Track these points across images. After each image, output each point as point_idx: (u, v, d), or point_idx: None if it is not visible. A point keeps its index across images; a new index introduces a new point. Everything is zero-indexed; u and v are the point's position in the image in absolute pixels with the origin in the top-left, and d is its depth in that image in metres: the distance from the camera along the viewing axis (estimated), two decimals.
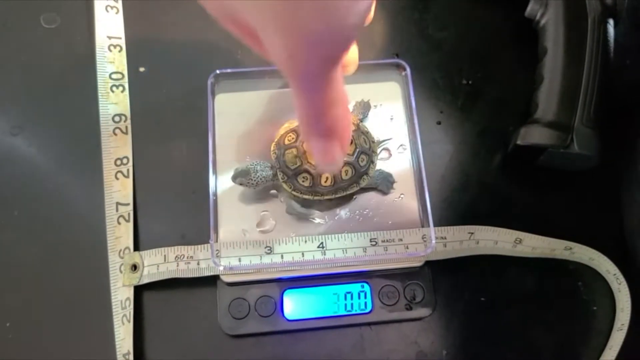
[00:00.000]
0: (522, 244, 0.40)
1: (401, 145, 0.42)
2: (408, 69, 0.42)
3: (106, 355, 0.37)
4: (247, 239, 0.38)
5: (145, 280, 0.38)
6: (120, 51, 0.44)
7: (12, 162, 0.42)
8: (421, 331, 0.39)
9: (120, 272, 0.38)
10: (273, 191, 0.40)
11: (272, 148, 0.38)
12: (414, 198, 0.40)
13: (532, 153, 0.40)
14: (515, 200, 0.42)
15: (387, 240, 0.38)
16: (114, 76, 0.43)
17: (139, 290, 0.38)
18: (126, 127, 0.42)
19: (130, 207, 0.40)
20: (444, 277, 0.40)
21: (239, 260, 0.37)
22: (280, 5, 0.19)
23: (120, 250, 0.38)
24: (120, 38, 0.44)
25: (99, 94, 0.42)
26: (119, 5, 0.45)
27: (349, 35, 0.21)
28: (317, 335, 0.39)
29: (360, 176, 0.38)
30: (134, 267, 0.38)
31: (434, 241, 0.38)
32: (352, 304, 0.38)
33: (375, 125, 0.41)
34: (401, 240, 0.38)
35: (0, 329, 0.38)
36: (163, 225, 0.40)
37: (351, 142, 0.37)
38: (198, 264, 0.38)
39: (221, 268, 0.37)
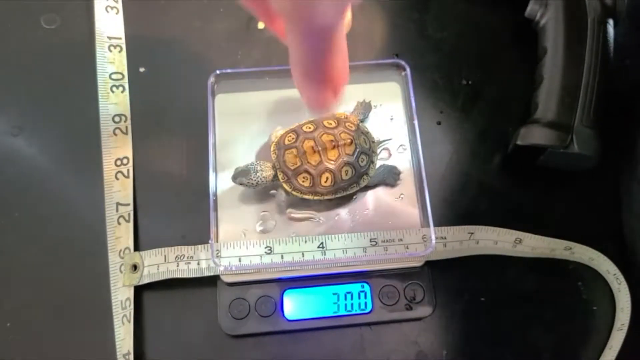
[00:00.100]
0: (522, 244, 0.40)
1: (401, 145, 0.42)
2: (408, 69, 0.42)
3: (106, 355, 0.37)
4: (247, 239, 0.38)
5: (146, 281, 0.38)
6: (120, 51, 0.44)
7: (12, 163, 0.42)
8: (421, 331, 0.39)
9: (121, 272, 0.38)
10: (273, 191, 0.40)
11: (272, 148, 0.38)
12: (414, 198, 0.40)
13: (532, 153, 0.40)
14: (515, 200, 0.42)
15: (387, 241, 0.38)
16: (114, 76, 0.43)
17: (139, 291, 0.38)
18: (126, 128, 0.42)
19: (131, 207, 0.40)
20: (444, 277, 0.40)
21: (239, 260, 0.37)
22: None
23: (121, 251, 0.38)
24: (120, 38, 0.44)
25: (99, 94, 0.42)
26: (119, 5, 0.45)
27: None
28: (317, 335, 0.39)
29: (360, 176, 0.38)
30: (134, 267, 0.38)
31: (434, 241, 0.38)
32: (352, 304, 0.38)
33: (375, 126, 0.41)
34: (401, 240, 0.38)
35: (1, 329, 0.38)
36: (163, 225, 0.40)
37: (351, 142, 0.37)
38: (198, 264, 0.38)
39: (221, 268, 0.37)
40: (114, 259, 0.38)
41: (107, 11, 0.44)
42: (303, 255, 0.38)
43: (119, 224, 0.39)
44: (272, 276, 0.38)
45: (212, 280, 0.38)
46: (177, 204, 0.41)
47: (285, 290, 0.39)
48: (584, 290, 0.41)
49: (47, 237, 0.40)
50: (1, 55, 0.44)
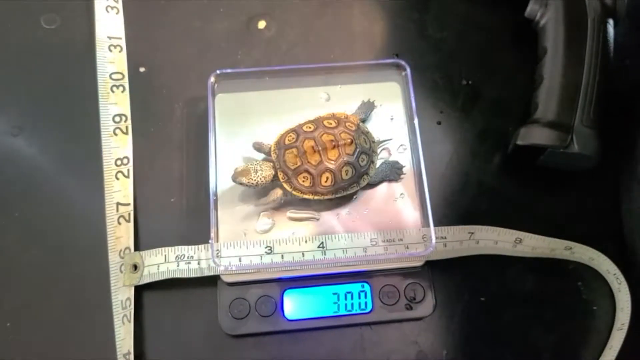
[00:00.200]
0: (522, 244, 0.40)
1: (401, 145, 0.42)
2: (408, 69, 0.42)
3: (106, 355, 0.37)
4: (247, 239, 0.38)
5: (146, 280, 0.38)
6: (120, 51, 0.44)
7: (12, 163, 0.42)
8: (421, 331, 0.39)
9: (121, 272, 0.38)
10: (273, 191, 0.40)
11: (272, 148, 0.38)
12: (414, 198, 0.40)
13: (532, 153, 0.40)
14: (515, 200, 0.42)
15: (387, 240, 0.38)
16: (114, 76, 0.43)
17: (140, 290, 0.38)
18: (126, 127, 0.42)
19: (131, 207, 0.40)
20: (444, 277, 0.40)
21: (239, 260, 0.37)
22: None
23: (121, 250, 0.38)
24: (120, 38, 0.44)
25: (100, 94, 0.42)
26: (119, 5, 0.45)
27: None
28: (318, 335, 0.39)
29: (360, 176, 0.38)
30: (135, 267, 0.38)
31: (434, 241, 0.38)
32: (352, 304, 0.38)
33: (375, 125, 0.41)
34: (401, 240, 0.38)
35: (1, 330, 0.38)
36: (163, 225, 0.40)
37: (351, 142, 0.37)
38: (198, 263, 0.38)
39: (221, 268, 0.37)
40: (114, 259, 0.38)
41: (108, 11, 0.44)
42: (303, 255, 0.38)
43: (119, 223, 0.39)
44: (273, 276, 0.38)
45: (212, 280, 0.38)
46: (177, 203, 0.41)
47: (285, 290, 0.39)
48: (584, 290, 0.41)
49: (47, 237, 0.40)
50: (1, 55, 0.44)
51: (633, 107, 0.43)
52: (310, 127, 0.38)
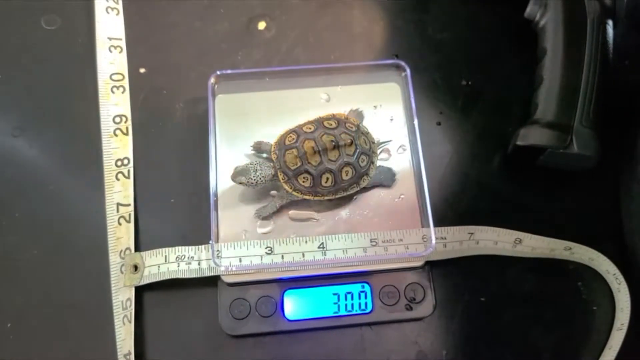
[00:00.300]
0: (522, 244, 0.40)
1: (401, 146, 0.42)
2: (408, 70, 0.42)
3: (107, 355, 0.37)
4: (247, 240, 0.38)
5: (146, 281, 0.38)
6: (120, 52, 0.44)
7: (13, 164, 0.42)
8: (421, 331, 0.39)
9: (121, 272, 0.38)
10: (273, 192, 0.40)
11: (272, 148, 0.38)
12: (414, 198, 0.40)
13: (532, 153, 0.40)
14: (515, 201, 0.42)
15: (387, 241, 0.38)
16: (114, 77, 0.43)
17: (140, 291, 0.38)
18: (127, 128, 0.42)
19: (131, 208, 0.40)
20: (444, 277, 0.40)
21: (240, 260, 0.37)
22: None
23: (121, 251, 0.38)
24: (120, 39, 0.44)
25: (100, 95, 0.42)
26: (120, 6, 0.45)
27: None
28: (318, 335, 0.39)
29: (360, 177, 0.38)
30: (135, 268, 0.38)
31: (434, 241, 0.38)
32: (352, 304, 0.39)
33: (375, 126, 0.41)
34: (401, 240, 0.38)
35: (2, 330, 0.38)
36: (164, 225, 0.40)
37: (351, 143, 0.37)
38: (199, 264, 0.38)
39: (222, 268, 0.37)
40: (114, 260, 0.38)
41: (108, 12, 0.45)
42: (303, 255, 0.38)
43: (120, 224, 0.39)
44: (273, 276, 0.38)
45: (212, 281, 0.38)
46: (177, 204, 0.41)
47: (285, 291, 0.39)
48: (584, 290, 0.41)
49: (47, 238, 0.40)
50: (2, 56, 0.44)
51: (633, 107, 0.43)
52: (310, 128, 0.38)
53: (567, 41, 0.41)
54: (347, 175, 0.38)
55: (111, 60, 0.43)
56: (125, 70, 0.44)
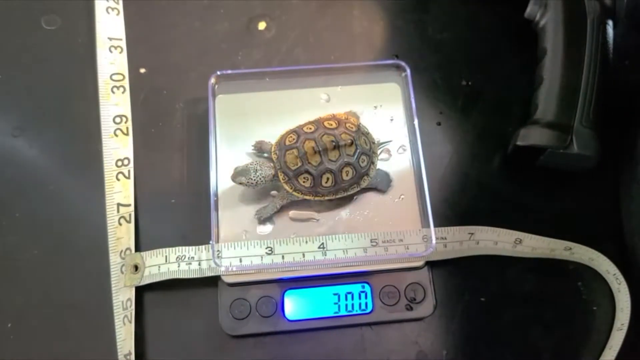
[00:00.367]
0: (522, 245, 0.40)
1: (401, 146, 0.42)
2: (408, 70, 0.42)
3: (107, 355, 0.37)
4: (247, 240, 0.38)
5: (147, 281, 0.38)
6: (121, 52, 0.44)
7: (13, 164, 0.42)
8: (421, 331, 0.39)
9: (122, 272, 0.38)
10: (274, 192, 0.40)
11: (272, 149, 0.38)
12: (414, 199, 0.40)
13: (532, 153, 0.40)
14: (515, 201, 0.42)
15: (387, 241, 0.38)
16: (114, 77, 0.43)
17: (140, 291, 0.38)
18: (127, 128, 0.42)
19: (132, 208, 0.40)
20: (444, 277, 0.40)
21: (240, 260, 0.37)
22: None
23: (122, 251, 0.38)
24: (121, 39, 0.44)
25: (100, 95, 0.42)
26: (120, 6, 0.45)
27: None
28: (318, 335, 0.39)
29: (361, 177, 0.38)
30: (135, 268, 0.38)
31: (434, 242, 0.38)
32: (352, 304, 0.39)
33: (375, 126, 0.41)
34: (401, 240, 0.38)
35: (2, 330, 0.38)
36: (164, 226, 0.40)
37: (351, 143, 0.37)
38: (199, 264, 0.38)
39: (222, 269, 0.37)
40: (115, 260, 0.38)
41: (108, 12, 0.45)
42: (304, 255, 0.38)
43: (120, 224, 0.39)
44: (273, 276, 0.38)
45: (213, 281, 0.38)
46: (178, 204, 0.41)
47: (286, 291, 0.39)
48: (584, 290, 0.41)
49: (48, 238, 0.40)
50: (2, 56, 0.44)
51: (633, 107, 0.43)
52: (310, 128, 0.38)
53: (567, 41, 0.41)
54: (347, 175, 0.38)
55: (111, 60, 0.43)
56: (125, 71, 0.44)
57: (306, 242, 0.38)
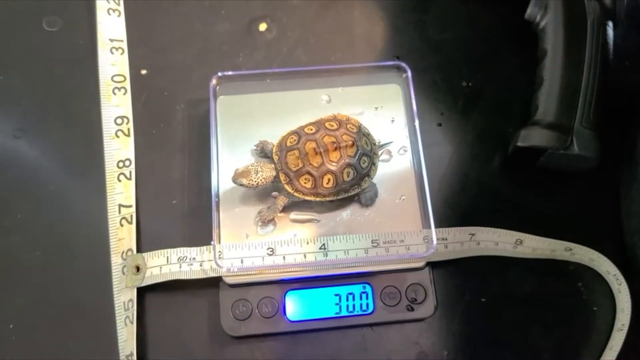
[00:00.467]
0: (522, 245, 0.40)
1: (402, 147, 0.42)
2: (409, 71, 0.42)
3: (109, 356, 0.37)
4: (249, 241, 0.38)
5: (148, 282, 0.38)
6: (122, 54, 0.44)
7: (15, 165, 0.42)
8: (422, 332, 0.39)
9: (123, 273, 0.38)
10: (275, 193, 0.40)
11: (274, 150, 0.38)
12: (415, 199, 0.40)
13: (533, 154, 0.40)
14: (515, 202, 0.42)
15: (388, 242, 0.38)
16: (116, 79, 0.43)
17: (142, 292, 0.38)
18: (128, 130, 0.42)
19: (133, 209, 0.40)
20: (445, 278, 0.40)
21: (241, 261, 0.37)
22: None
23: (123, 252, 0.39)
24: (122, 41, 0.44)
25: (101, 97, 0.42)
26: (121, 8, 0.45)
27: None
28: (319, 336, 0.39)
29: (361, 178, 0.39)
30: (137, 269, 0.38)
31: (435, 242, 0.38)
32: (353, 305, 0.39)
33: (376, 127, 0.41)
34: (402, 241, 0.39)
35: (4, 331, 0.38)
36: (165, 227, 0.40)
37: (353, 144, 0.37)
38: (200, 265, 0.38)
39: (223, 269, 0.37)
40: (116, 261, 0.38)
41: (109, 14, 0.45)
42: (305, 256, 0.38)
43: (122, 225, 0.39)
44: (274, 277, 0.38)
45: (214, 282, 0.38)
46: (179, 205, 0.41)
47: (287, 292, 0.39)
48: (585, 290, 0.41)
49: (49, 239, 0.40)
50: (3, 57, 0.44)
51: (633, 108, 0.43)
52: (311, 129, 0.38)
53: (567, 42, 0.41)
54: (348, 176, 0.38)
55: (113, 61, 0.43)
56: (126, 72, 0.44)
57: (307, 243, 0.38)
